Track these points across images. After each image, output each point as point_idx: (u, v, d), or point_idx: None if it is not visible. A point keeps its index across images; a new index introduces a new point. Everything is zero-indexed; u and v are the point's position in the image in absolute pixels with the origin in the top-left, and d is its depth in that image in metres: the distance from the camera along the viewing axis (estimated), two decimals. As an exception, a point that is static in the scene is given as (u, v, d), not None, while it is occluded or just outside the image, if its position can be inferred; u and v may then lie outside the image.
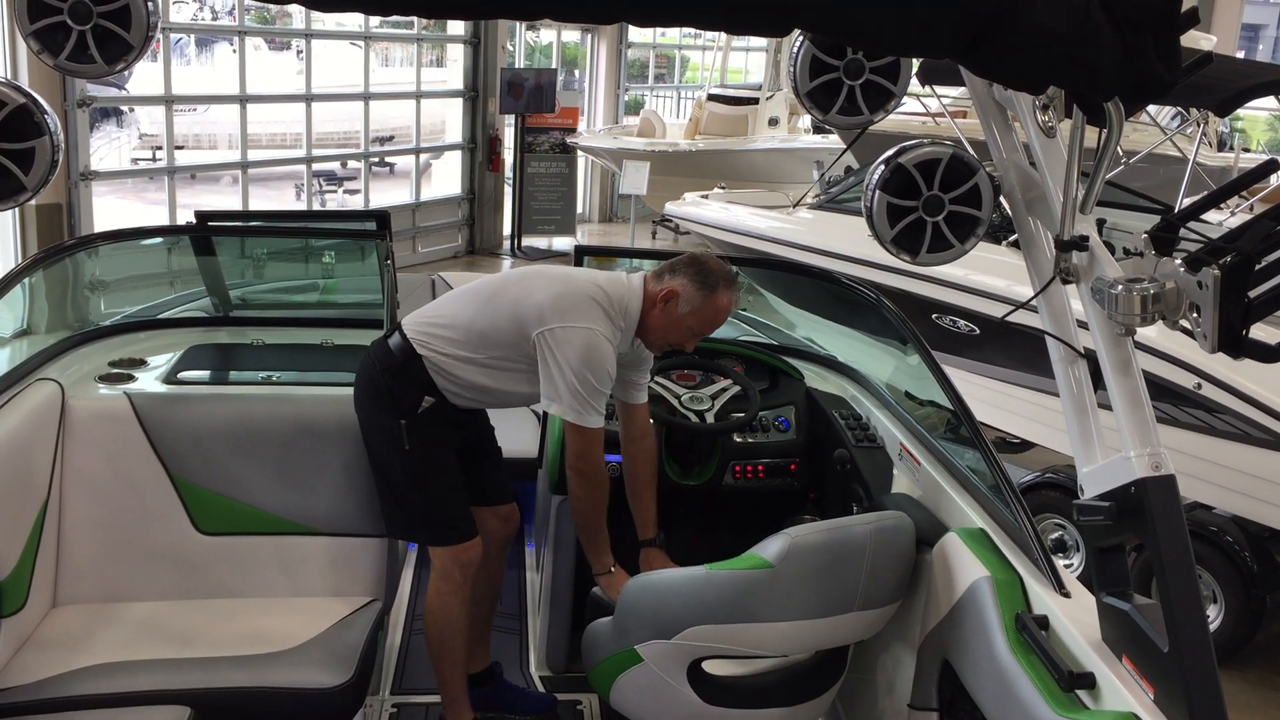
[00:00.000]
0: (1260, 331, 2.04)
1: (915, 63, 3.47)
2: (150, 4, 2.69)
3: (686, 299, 3.25)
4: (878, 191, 2.75)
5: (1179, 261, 2.11)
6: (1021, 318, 2.76)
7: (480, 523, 3.49)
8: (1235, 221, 6.11)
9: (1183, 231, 2.23)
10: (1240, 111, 7.91)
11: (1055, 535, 5.80)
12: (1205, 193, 2.49)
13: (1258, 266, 1.99)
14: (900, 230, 2.76)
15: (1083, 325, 2.40)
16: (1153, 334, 5.11)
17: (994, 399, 6.52)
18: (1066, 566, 5.40)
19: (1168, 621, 2.10)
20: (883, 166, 2.75)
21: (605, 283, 3.31)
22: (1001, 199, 2.73)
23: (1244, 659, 5.43)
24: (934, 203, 2.73)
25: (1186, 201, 6.21)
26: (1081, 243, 2.31)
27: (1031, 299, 2.52)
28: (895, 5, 1.78)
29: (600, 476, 3.37)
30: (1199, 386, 5.18)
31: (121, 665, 3.08)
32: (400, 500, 3.42)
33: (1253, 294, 1.99)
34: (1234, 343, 2.01)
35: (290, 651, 3.20)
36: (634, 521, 3.61)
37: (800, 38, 2.87)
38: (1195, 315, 2.06)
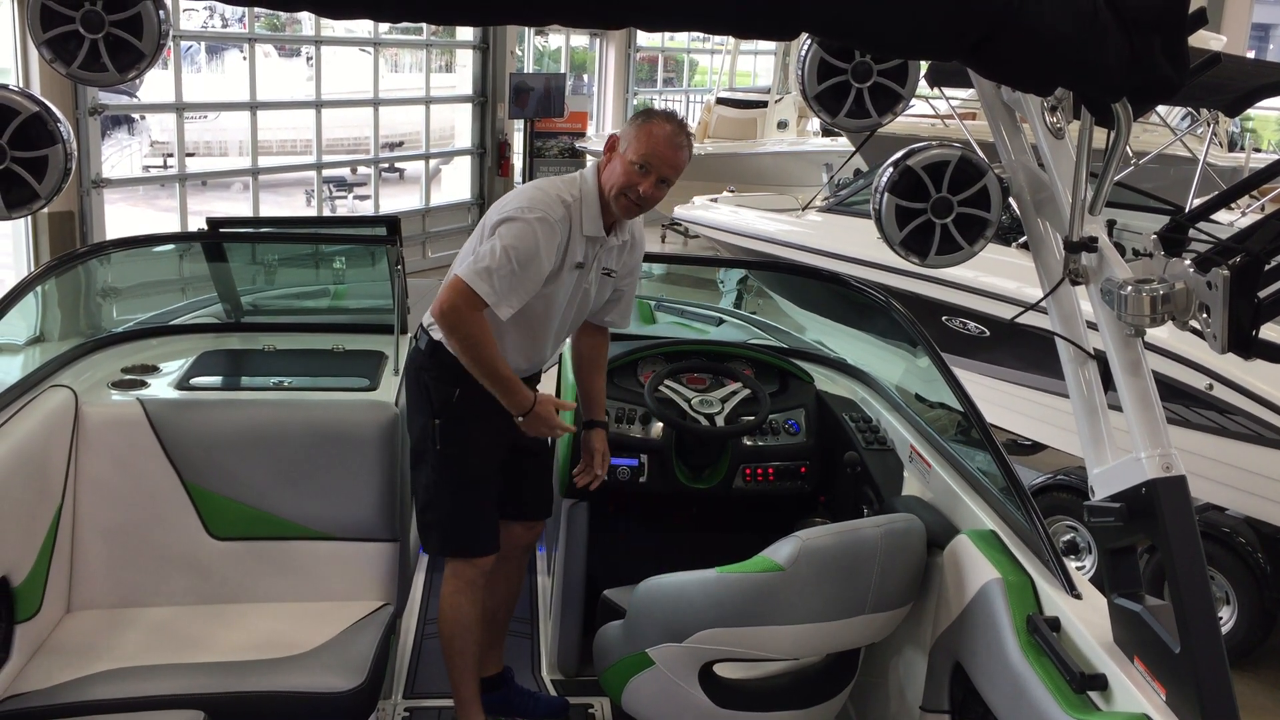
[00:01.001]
0: (1274, 331, 2.04)
1: (924, 65, 3.47)
2: (161, 12, 2.71)
3: (624, 136, 3.21)
4: (886, 194, 2.75)
5: (1188, 262, 2.11)
6: (1032, 319, 2.77)
7: (505, 529, 3.49)
8: (1247, 222, 6.10)
9: (1193, 232, 2.23)
10: (1251, 111, 7.89)
11: (1067, 537, 5.79)
12: (1215, 193, 2.49)
13: (1267, 267, 1.99)
14: (909, 232, 2.77)
15: (1092, 326, 2.40)
16: (1164, 335, 5.10)
17: (1005, 401, 6.51)
18: (1079, 568, 5.40)
19: (1179, 622, 2.09)
20: (891, 169, 2.75)
21: (557, 178, 3.31)
22: (1011, 200, 2.73)
23: (1258, 660, 5.41)
24: (942, 205, 2.73)
25: (1197, 202, 6.19)
26: (1090, 244, 2.32)
27: (1041, 300, 2.52)
28: (901, 8, 1.78)
29: (472, 335, 3.13)
30: (1210, 387, 5.17)
31: (135, 670, 3.09)
32: (425, 505, 3.42)
33: (1262, 294, 1.99)
34: (1244, 343, 2.00)
35: (303, 656, 3.21)
36: (582, 402, 3.66)
37: (808, 41, 2.88)
38: (1205, 316, 2.06)
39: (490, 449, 3.39)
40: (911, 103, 3.01)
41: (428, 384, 3.34)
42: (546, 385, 3.90)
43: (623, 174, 3.17)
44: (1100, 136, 2.28)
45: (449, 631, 3.43)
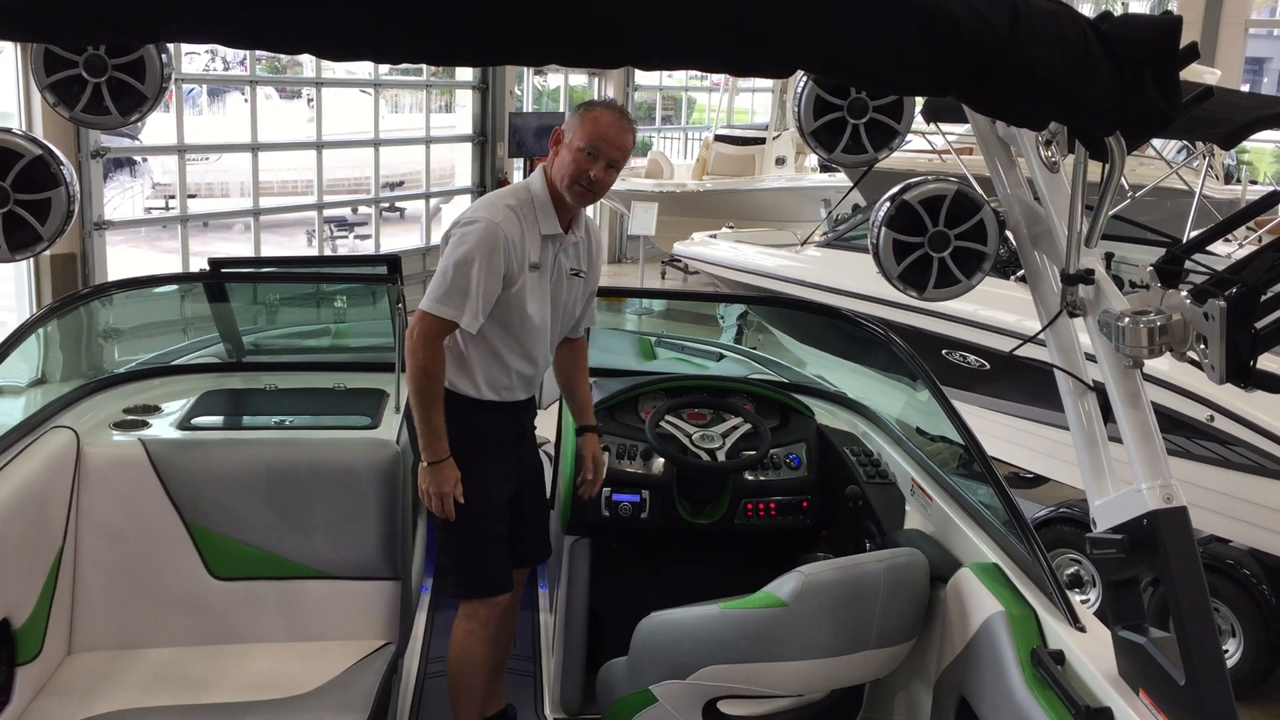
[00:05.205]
0: (1275, 362, 2.05)
1: (919, 101, 3.50)
2: (164, 56, 2.74)
3: (568, 128, 3.24)
4: (884, 228, 2.77)
5: (1185, 294, 2.12)
6: (1032, 352, 2.78)
7: None
8: (1243, 254, 6.10)
9: (1190, 264, 2.24)
10: (1247, 144, 7.93)
11: (1071, 570, 5.76)
12: (1211, 225, 2.51)
13: (1263, 298, 2.00)
14: (907, 266, 2.78)
15: (1091, 358, 2.40)
16: (1164, 366, 5.11)
17: (1007, 434, 6.51)
18: (1083, 601, 5.37)
19: (1184, 654, 2.08)
20: (888, 204, 2.77)
21: (505, 188, 3.37)
22: (1008, 234, 2.75)
23: (1265, 693, 5.38)
24: (940, 239, 2.75)
25: (1194, 234, 6.22)
26: (1088, 276, 2.32)
27: (1039, 333, 2.53)
28: (893, 46, 1.80)
29: (431, 366, 3.19)
30: (1211, 419, 5.17)
31: (137, 711, 3.08)
32: (439, 548, 3.42)
33: (1259, 325, 2.00)
34: (1242, 374, 2.01)
35: (305, 696, 3.19)
36: (571, 411, 3.70)
37: (805, 78, 2.90)
38: (1202, 347, 2.06)
39: (493, 490, 3.37)
40: (909, 138, 3.03)
41: None
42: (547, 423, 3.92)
43: (572, 162, 3.21)
44: (1095, 170, 2.30)
45: (457, 670, 3.41)
